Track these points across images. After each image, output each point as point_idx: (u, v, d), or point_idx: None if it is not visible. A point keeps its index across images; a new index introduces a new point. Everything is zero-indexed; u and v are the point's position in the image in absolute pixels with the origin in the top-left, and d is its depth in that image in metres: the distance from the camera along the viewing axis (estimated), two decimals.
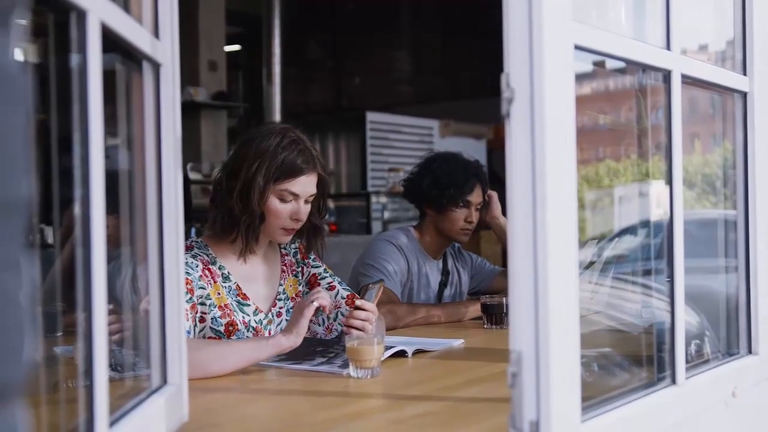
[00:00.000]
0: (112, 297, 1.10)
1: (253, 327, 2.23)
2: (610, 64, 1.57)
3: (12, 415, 0.55)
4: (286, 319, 2.31)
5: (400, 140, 8.24)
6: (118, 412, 1.17)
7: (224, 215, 2.21)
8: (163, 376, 1.38)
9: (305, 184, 2.22)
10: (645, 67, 1.57)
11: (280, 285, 2.36)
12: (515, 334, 1.19)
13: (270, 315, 2.30)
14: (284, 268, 2.39)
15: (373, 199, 7.43)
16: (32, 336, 0.58)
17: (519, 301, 1.19)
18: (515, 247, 1.19)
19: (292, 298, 2.37)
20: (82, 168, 1.01)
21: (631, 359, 1.72)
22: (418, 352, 2.19)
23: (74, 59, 1.02)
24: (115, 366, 1.34)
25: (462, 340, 2.38)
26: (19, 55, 0.57)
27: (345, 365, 1.93)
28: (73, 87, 1.02)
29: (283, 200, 2.20)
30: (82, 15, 1.00)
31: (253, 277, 2.30)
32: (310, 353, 2.09)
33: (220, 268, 2.23)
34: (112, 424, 1.09)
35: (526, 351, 1.19)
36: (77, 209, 1.02)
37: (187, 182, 4.41)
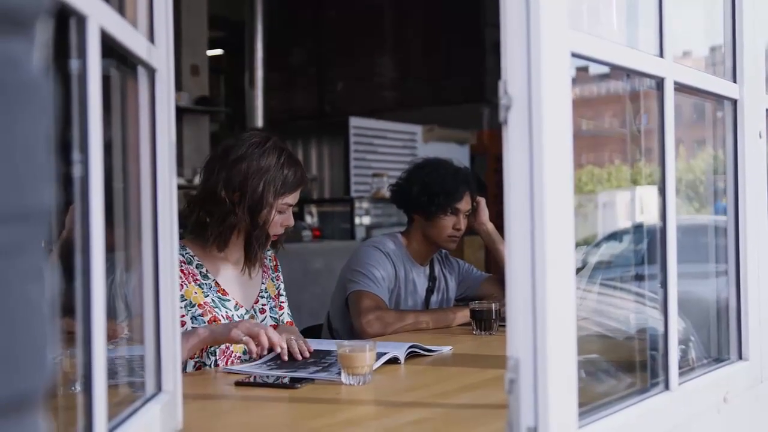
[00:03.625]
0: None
1: (236, 321, 2.27)
2: (593, 69, 1.58)
3: (36, 424, 0.55)
4: (271, 316, 2.43)
5: (384, 145, 8.23)
6: (114, 420, 1.16)
7: (228, 229, 2.27)
8: (157, 383, 1.37)
9: (298, 195, 2.37)
10: (639, 74, 1.58)
11: (263, 283, 2.45)
12: (513, 341, 1.19)
13: (253, 311, 2.38)
14: (264, 268, 2.49)
15: (357, 204, 7.41)
16: (54, 345, 0.58)
17: (516, 307, 1.19)
18: (512, 254, 1.19)
19: (274, 297, 2.47)
20: (81, 173, 1.00)
21: (623, 366, 1.73)
22: (411, 354, 2.21)
23: (73, 64, 1.02)
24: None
25: (451, 347, 2.38)
26: (41, 62, 0.57)
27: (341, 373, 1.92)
28: (72, 92, 1.01)
29: (280, 212, 2.32)
30: (81, 20, 0.99)
31: (234, 275, 2.37)
32: (303, 363, 2.08)
33: (197, 267, 2.29)
34: None
35: (523, 357, 1.19)
36: (77, 215, 1.01)
37: None
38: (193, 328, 2.15)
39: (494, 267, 3.37)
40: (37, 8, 0.55)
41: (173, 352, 1.39)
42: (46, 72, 0.57)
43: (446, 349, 2.36)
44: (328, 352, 2.20)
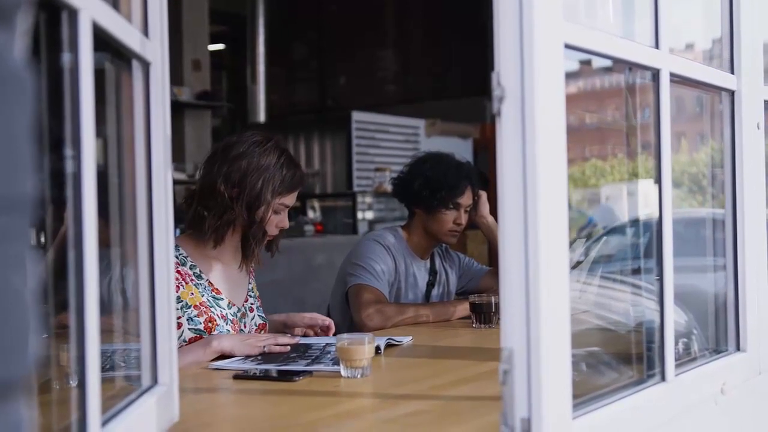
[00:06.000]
0: (100, 298, 1.10)
1: (230, 320, 2.33)
2: (597, 62, 1.58)
3: (17, 412, 0.55)
4: (258, 315, 2.46)
5: (386, 140, 8.23)
6: (109, 412, 1.16)
7: (225, 224, 2.29)
8: (153, 376, 1.37)
9: (295, 197, 2.40)
10: (634, 66, 1.58)
11: (249, 283, 2.49)
12: (507, 332, 1.20)
13: (243, 309, 2.41)
14: (251, 269, 2.51)
15: (359, 199, 7.41)
16: (36, 334, 0.58)
17: (510, 298, 1.19)
18: (506, 245, 1.20)
19: (258, 297, 2.51)
20: (74, 168, 1.00)
21: (620, 357, 1.73)
22: (389, 345, 2.26)
23: (65, 58, 1.02)
24: (103, 366, 1.33)
25: (410, 337, 2.41)
26: (22, 52, 0.57)
27: (336, 362, 1.93)
28: (64, 86, 1.01)
29: (276, 212, 2.34)
30: (73, 14, 0.99)
31: (225, 275, 2.39)
32: (287, 357, 2.09)
33: (191, 268, 2.32)
34: (104, 423, 1.08)
35: (517, 348, 1.19)
36: (69, 211, 1.01)
37: None
38: (208, 336, 2.21)
39: (496, 261, 3.37)
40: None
41: (169, 344, 1.40)
42: (27, 63, 0.57)
43: (407, 340, 2.39)
44: (308, 346, 2.24)
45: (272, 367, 1.97)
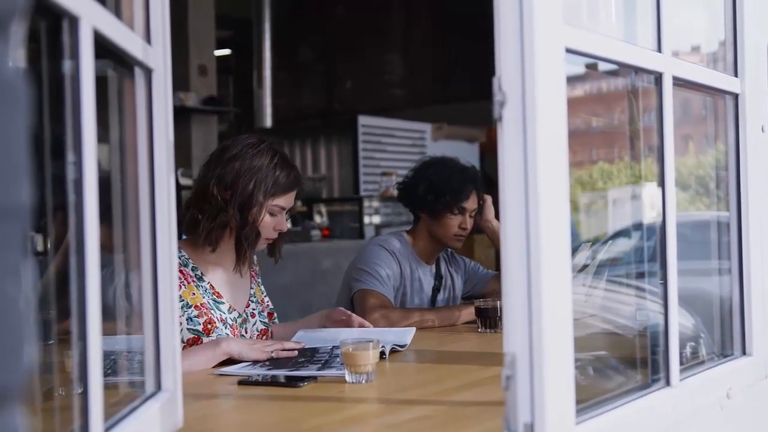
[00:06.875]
0: (104, 304, 1.10)
1: (229, 324, 2.33)
2: (603, 66, 1.58)
3: (12, 420, 0.55)
4: (260, 320, 2.46)
5: (393, 144, 8.23)
6: (112, 419, 1.16)
7: (219, 227, 2.29)
8: (157, 382, 1.37)
9: (292, 199, 2.38)
10: (636, 70, 1.57)
11: (251, 288, 2.48)
12: (509, 337, 1.19)
13: (245, 314, 2.41)
14: (253, 274, 2.52)
15: (366, 203, 7.41)
16: (32, 341, 0.59)
17: (513, 303, 1.19)
18: (508, 250, 1.19)
19: (260, 301, 2.50)
20: (75, 174, 1.00)
21: (625, 361, 1.73)
22: (393, 351, 2.24)
23: (66, 65, 1.02)
24: (107, 371, 1.33)
25: (413, 329, 2.41)
26: (17, 61, 0.57)
27: (343, 367, 1.92)
28: (66, 93, 1.02)
29: (272, 214, 2.33)
30: (74, 21, 0.99)
31: (227, 279, 2.40)
32: (295, 362, 2.08)
33: (193, 270, 2.32)
34: (107, 430, 1.08)
35: (520, 353, 1.19)
36: (71, 217, 1.01)
37: (177, 188, 4.47)
38: (216, 338, 2.21)
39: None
40: (12, 9, 0.55)
41: (173, 349, 1.40)
42: (23, 72, 0.57)
43: (410, 334, 2.39)
44: (315, 350, 2.23)
45: (282, 373, 1.97)
